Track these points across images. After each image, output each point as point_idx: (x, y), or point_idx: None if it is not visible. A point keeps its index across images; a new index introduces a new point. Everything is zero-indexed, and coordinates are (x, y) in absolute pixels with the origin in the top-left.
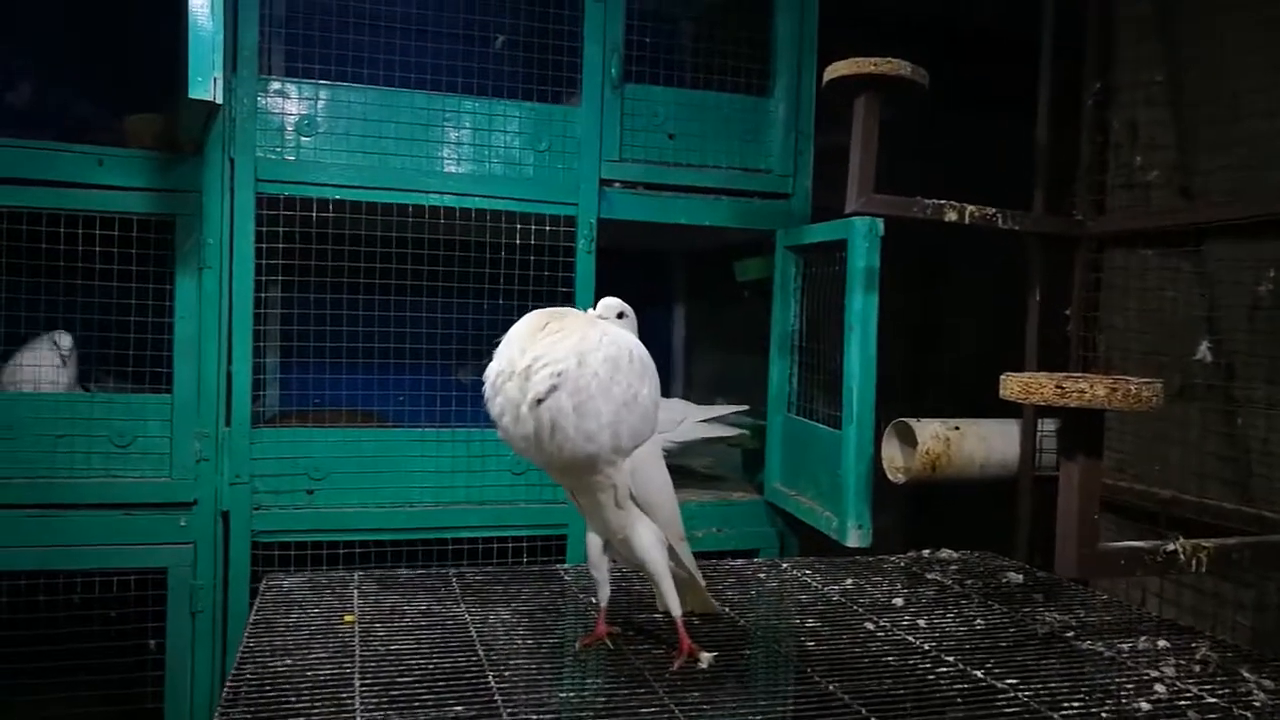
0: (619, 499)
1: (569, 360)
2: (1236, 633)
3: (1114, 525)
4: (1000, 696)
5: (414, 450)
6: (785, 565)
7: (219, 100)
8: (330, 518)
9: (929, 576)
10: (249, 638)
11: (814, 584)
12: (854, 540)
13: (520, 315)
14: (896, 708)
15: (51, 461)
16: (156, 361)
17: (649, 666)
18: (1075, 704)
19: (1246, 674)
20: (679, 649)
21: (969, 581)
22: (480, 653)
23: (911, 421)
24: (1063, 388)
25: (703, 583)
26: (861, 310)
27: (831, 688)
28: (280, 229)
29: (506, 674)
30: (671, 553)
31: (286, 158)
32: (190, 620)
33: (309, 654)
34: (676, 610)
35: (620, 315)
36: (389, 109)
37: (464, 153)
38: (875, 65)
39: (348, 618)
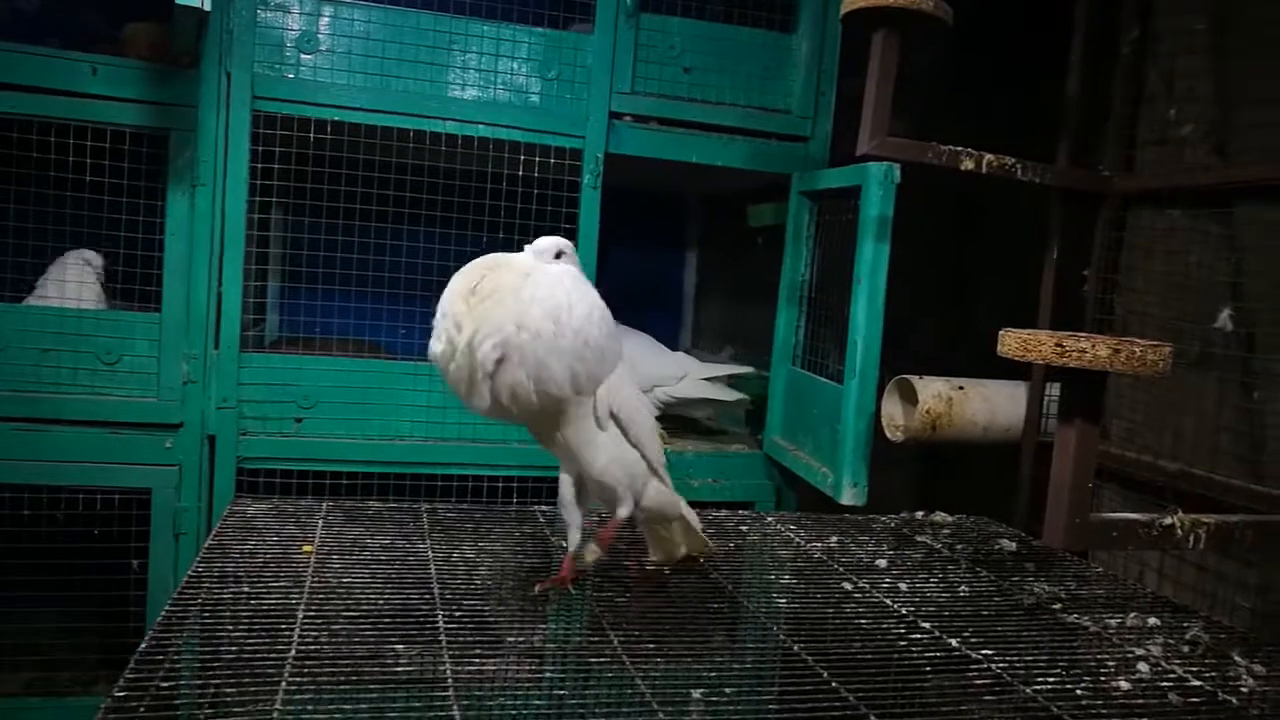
0: (600, 419)
1: (507, 327)
2: (1236, 614)
3: (1119, 497)
4: (973, 667)
5: (406, 383)
6: (770, 519)
7: (206, 8)
8: (318, 447)
9: (918, 539)
10: (199, 562)
11: (797, 540)
12: (848, 498)
13: (522, 249)
14: (859, 673)
15: (37, 376)
16: (146, 280)
17: (607, 613)
18: (1050, 679)
19: (1238, 658)
20: (599, 539)
21: (959, 546)
22: (435, 591)
23: (914, 379)
24: (1063, 346)
25: (695, 521)
26: (871, 261)
27: (796, 648)
28: (277, 149)
29: (458, 614)
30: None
31: (286, 75)
32: (174, 542)
33: (258, 583)
34: (625, 511)
35: (559, 255)
36: (394, 29)
37: (469, 78)
38: None
39: (306, 548)
